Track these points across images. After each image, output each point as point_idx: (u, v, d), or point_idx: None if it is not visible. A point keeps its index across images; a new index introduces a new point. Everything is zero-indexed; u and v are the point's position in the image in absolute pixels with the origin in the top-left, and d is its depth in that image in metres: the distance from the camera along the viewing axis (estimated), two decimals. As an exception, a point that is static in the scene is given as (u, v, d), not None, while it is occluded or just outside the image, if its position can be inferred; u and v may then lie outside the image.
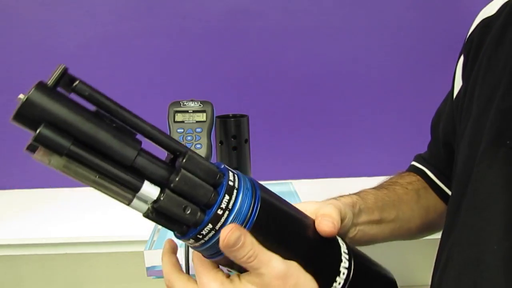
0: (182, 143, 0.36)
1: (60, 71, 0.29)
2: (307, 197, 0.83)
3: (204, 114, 0.70)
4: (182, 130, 0.68)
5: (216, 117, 0.76)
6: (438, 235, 0.59)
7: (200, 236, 0.34)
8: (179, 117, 0.70)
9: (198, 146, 0.67)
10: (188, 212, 0.33)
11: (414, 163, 0.70)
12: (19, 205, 1.06)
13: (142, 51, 1.11)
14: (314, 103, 1.14)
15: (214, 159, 0.69)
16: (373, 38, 1.11)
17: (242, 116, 0.79)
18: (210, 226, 0.34)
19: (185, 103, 0.71)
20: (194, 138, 0.68)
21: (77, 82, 0.30)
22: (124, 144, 0.31)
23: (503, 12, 0.49)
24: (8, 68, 1.10)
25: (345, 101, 1.15)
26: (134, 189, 0.32)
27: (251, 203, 0.35)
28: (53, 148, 0.29)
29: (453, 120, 0.57)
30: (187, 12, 1.09)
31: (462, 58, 0.56)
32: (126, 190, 0.32)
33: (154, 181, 0.33)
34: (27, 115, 0.28)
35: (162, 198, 0.32)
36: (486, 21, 0.52)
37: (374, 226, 0.56)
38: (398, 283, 0.47)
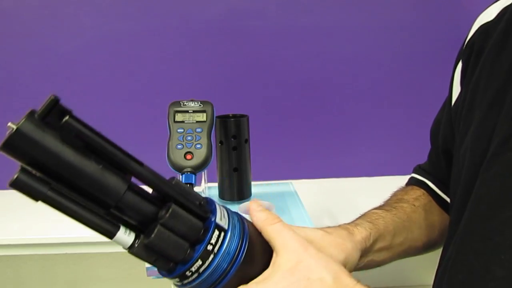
0: (172, 183, 0.34)
1: (49, 102, 0.28)
2: (307, 197, 0.83)
3: (204, 114, 0.70)
4: (182, 130, 0.68)
5: (216, 117, 0.76)
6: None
7: (173, 280, 0.36)
8: (179, 117, 0.69)
9: (198, 146, 0.67)
10: (159, 263, 0.34)
11: (414, 175, 0.69)
12: (19, 205, 1.06)
13: (142, 51, 1.10)
14: (314, 103, 1.14)
15: (214, 159, 0.69)
16: (373, 38, 1.11)
17: (242, 116, 0.79)
18: (177, 279, 0.35)
19: (185, 103, 0.71)
20: (194, 138, 0.68)
21: (66, 117, 0.28)
22: (107, 189, 0.31)
23: (503, 17, 0.48)
24: (10, 69, 1.10)
25: (345, 101, 1.14)
26: (108, 236, 0.32)
27: (225, 269, 0.34)
28: (28, 195, 0.29)
29: (452, 126, 0.56)
30: (187, 12, 1.09)
31: (460, 64, 0.55)
32: (102, 234, 0.32)
33: (131, 226, 0.33)
34: (15, 146, 0.28)
35: (136, 246, 0.33)
36: (485, 27, 0.51)
37: (383, 252, 0.56)
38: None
